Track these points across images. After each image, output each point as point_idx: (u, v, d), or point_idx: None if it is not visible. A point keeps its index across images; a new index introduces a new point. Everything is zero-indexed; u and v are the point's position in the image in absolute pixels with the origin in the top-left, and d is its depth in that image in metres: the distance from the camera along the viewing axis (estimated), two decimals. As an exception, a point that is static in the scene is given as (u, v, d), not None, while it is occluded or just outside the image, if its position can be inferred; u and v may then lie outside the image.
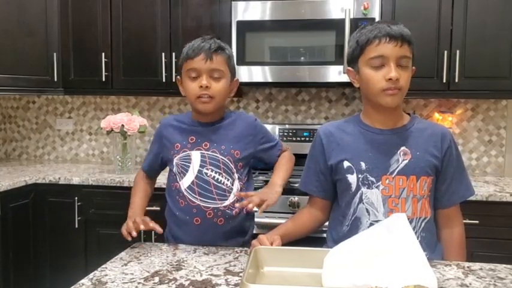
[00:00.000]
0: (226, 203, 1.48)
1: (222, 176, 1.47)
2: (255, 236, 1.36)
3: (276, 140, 1.65)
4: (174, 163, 1.50)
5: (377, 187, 1.32)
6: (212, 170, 1.46)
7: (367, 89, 1.33)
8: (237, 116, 1.57)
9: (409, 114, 1.42)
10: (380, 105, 1.31)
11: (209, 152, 1.47)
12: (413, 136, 1.35)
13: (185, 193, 1.47)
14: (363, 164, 1.34)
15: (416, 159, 1.32)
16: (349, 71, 1.39)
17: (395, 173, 1.32)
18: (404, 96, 1.31)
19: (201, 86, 1.41)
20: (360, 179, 1.34)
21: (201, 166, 1.46)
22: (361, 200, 1.34)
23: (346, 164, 1.36)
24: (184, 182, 1.47)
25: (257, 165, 2.66)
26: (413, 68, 1.34)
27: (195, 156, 1.47)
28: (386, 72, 1.26)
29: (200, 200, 1.46)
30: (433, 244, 1.38)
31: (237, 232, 1.53)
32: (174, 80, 2.64)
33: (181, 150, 1.49)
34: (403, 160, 1.32)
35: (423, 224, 1.34)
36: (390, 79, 1.25)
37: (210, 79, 1.42)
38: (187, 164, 1.47)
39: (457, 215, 1.42)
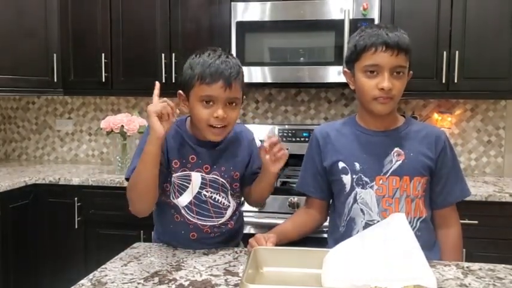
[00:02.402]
0: (223, 220, 1.43)
1: (219, 196, 1.42)
2: (250, 236, 1.35)
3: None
4: (171, 181, 1.39)
5: (371, 187, 1.34)
6: (211, 192, 1.40)
7: (360, 95, 1.35)
8: (238, 134, 1.47)
9: (404, 116, 1.44)
10: (372, 112, 1.34)
11: (210, 176, 1.39)
12: (407, 138, 1.37)
13: (182, 211, 1.40)
14: (357, 165, 1.36)
15: (409, 160, 1.34)
16: (345, 72, 1.41)
17: (388, 173, 1.34)
18: (396, 103, 1.34)
19: (217, 117, 1.27)
20: (354, 180, 1.36)
21: (200, 188, 1.39)
22: (355, 201, 1.36)
23: (341, 164, 1.38)
24: (181, 201, 1.39)
25: None
26: (411, 72, 1.35)
27: (196, 177, 1.38)
28: (379, 81, 1.28)
29: (197, 218, 1.40)
30: (430, 243, 1.39)
31: (230, 238, 1.49)
32: (173, 81, 2.64)
33: (181, 169, 1.38)
34: (397, 161, 1.34)
35: (418, 224, 1.35)
36: (382, 89, 1.27)
37: (226, 108, 1.29)
38: (185, 184, 1.39)
39: (453, 216, 1.44)
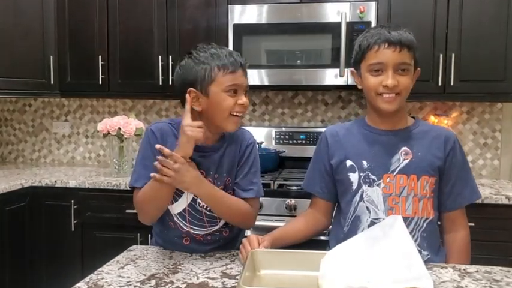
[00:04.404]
0: (216, 228, 1.42)
1: None
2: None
3: (257, 183, 1.44)
4: None
5: (378, 185, 1.34)
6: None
7: (366, 93, 1.36)
8: (237, 138, 1.43)
9: (413, 117, 1.44)
10: (379, 109, 1.34)
11: None
12: (415, 137, 1.37)
13: (175, 219, 1.40)
14: (364, 163, 1.36)
15: (417, 159, 1.34)
16: (353, 72, 1.43)
17: (396, 171, 1.34)
18: (404, 100, 1.34)
19: (242, 104, 1.30)
20: (362, 177, 1.36)
21: (195, 195, 1.36)
22: (361, 198, 1.36)
23: (348, 162, 1.38)
24: (175, 208, 1.38)
25: None
26: (418, 69, 1.37)
27: None
28: (383, 78, 1.29)
29: (190, 227, 1.39)
30: (435, 246, 1.38)
31: (225, 246, 1.46)
32: (170, 83, 2.64)
33: None
34: (404, 159, 1.35)
35: (425, 225, 1.34)
36: (387, 86, 1.28)
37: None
38: (181, 190, 1.35)
39: (462, 219, 1.43)
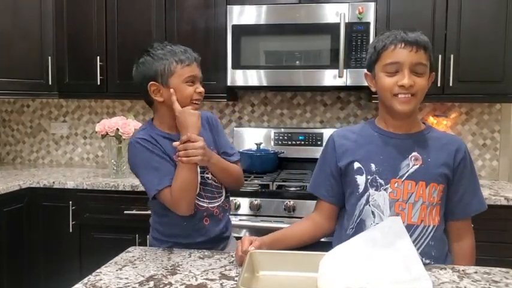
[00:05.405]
0: (223, 198, 1.57)
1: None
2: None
3: (234, 147, 1.67)
4: None
5: (385, 190, 1.32)
6: (209, 173, 1.52)
7: (381, 94, 1.34)
8: (203, 116, 1.56)
9: (424, 123, 1.44)
10: (394, 111, 1.32)
11: None
12: (426, 143, 1.36)
13: (195, 201, 1.47)
14: (373, 166, 1.34)
15: (427, 166, 1.32)
16: (366, 75, 1.41)
17: (404, 177, 1.32)
18: (419, 102, 1.33)
19: (200, 92, 1.48)
20: (369, 181, 1.34)
21: (201, 172, 1.48)
22: (367, 202, 1.34)
23: (356, 165, 1.37)
24: None
25: (252, 169, 2.67)
26: (433, 74, 1.35)
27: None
28: (399, 78, 1.28)
29: (208, 202, 1.52)
30: (443, 255, 1.36)
31: (229, 223, 1.62)
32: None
33: None
34: (414, 165, 1.33)
35: (432, 232, 1.32)
36: (403, 86, 1.27)
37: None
38: None
39: (468, 228, 1.42)
